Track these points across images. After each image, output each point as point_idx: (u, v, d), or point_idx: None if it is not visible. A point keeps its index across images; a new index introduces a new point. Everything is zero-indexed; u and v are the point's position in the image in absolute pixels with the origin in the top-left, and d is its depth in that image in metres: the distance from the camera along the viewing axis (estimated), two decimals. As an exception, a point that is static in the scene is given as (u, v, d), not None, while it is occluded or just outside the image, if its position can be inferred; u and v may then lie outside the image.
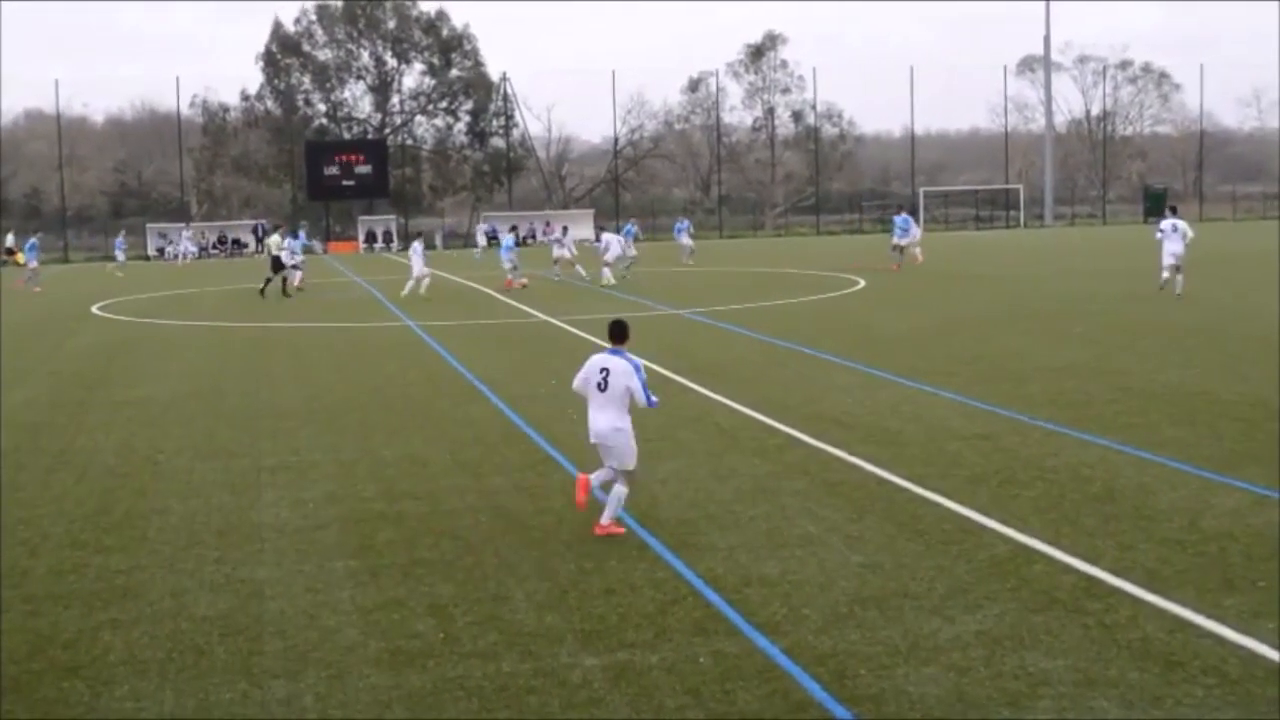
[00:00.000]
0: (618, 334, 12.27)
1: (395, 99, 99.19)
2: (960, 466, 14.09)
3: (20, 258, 74.77)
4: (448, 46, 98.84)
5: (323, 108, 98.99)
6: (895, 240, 47.99)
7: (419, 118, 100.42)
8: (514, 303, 36.83)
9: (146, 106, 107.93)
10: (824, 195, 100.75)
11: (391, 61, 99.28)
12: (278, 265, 42.07)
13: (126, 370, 24.19)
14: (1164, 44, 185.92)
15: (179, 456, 15.89)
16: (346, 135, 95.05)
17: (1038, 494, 12.76)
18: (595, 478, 12.11)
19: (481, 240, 67.14)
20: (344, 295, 42.77)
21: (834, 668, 8.38)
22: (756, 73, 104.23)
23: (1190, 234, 33.20)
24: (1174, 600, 9.45)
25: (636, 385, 11.96)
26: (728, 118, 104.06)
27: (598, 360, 12.22)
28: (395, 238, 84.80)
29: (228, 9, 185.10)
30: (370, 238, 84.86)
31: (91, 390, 21.65)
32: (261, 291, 42.02)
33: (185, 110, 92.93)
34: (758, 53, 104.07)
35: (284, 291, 41.50)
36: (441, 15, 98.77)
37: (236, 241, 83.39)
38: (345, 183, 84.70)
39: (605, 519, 11.89)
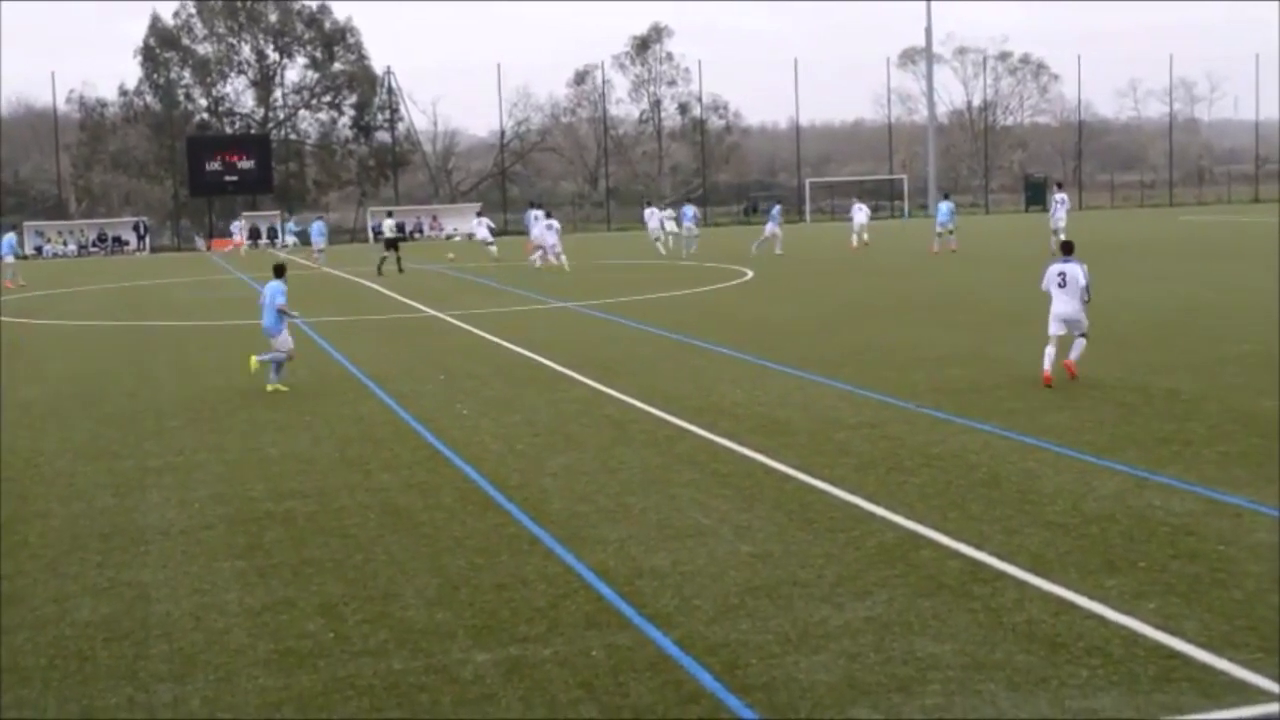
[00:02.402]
0: (1070, 249, 19.38)
1: (278, 93, 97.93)
2: (848, 455, 14.24)
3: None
4: (330, 40, 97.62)
5: (204, 103, 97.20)
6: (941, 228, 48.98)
7: (302, 112, 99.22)
8: (401, 297, 36.60)
9: (22, 103, 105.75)
10: (711, 187, 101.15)
11: (273, 55, 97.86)
12: (391, 245, 48.60)
13: (5, 372, 23.67)
14: (1042, 36, 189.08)
15: (60, 459, 15.60)
16: (229, 130, 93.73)
17: (924, 480, 12.93)
18: (1073, 355, 18.17)
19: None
20: (228, 293, 42.23)
21: (725, 658, 8.43)
22: (642, 65, 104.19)
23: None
24: (1058, 583, 9.63)
25: (1086, 280, 18.27)
26: (614, 110, 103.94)
27: (1055, 267, 18.62)
28: (280, 234, 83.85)
29: (105, 3, 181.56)
30: (254, 234, 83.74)
31: (-32, 393, 21.20)
32: (379, 270, 46.82)
33: (62, 106, 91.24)
34: (643, 45, 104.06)
35: (379, 271, 46.79)
36: (324, 9, 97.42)
37: (118, 239, 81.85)
38: (228, 178, 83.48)
39: (1074, 357, 18.20)
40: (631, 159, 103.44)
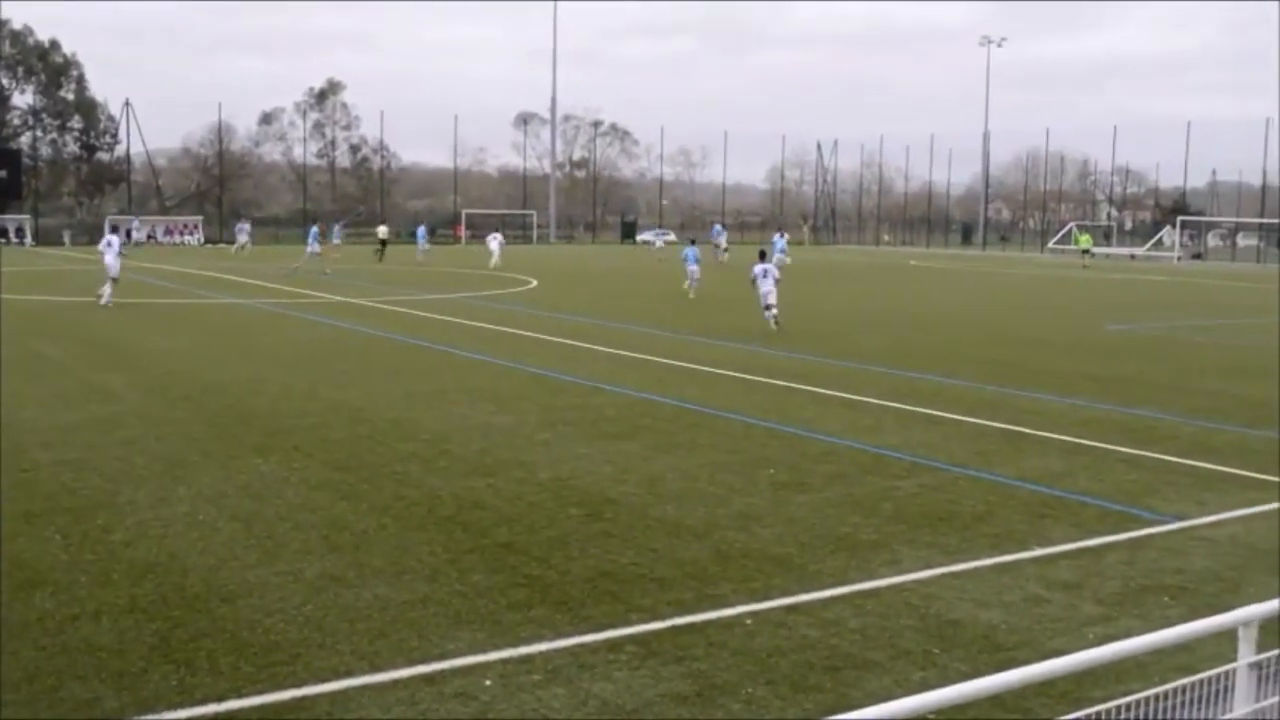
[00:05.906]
0: (764, 255, 30.02)
1: (13, 114, 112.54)
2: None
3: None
4: (58, 71, 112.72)
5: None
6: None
7: (34, 132, 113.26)
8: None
9: None
10: (375, 214, 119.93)
11: (6, 81, 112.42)
12: (383, 243, 70.28)
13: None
14: (630, 105, 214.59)
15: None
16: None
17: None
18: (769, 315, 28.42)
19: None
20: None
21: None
22: (321, 112, 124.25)
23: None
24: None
25: (777, 274, 29.48)
26: (295, 150, 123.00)
27: (761, 266, 29.27)
28: (28, 234, 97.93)
29: None
30: (2, 233, 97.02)
31: None
32: None
33: None
34: (322, 95, 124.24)
35: (380, 259, 66.80)
36: (54, 44, 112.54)
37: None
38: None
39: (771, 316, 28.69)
40: (308, 187, 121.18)
